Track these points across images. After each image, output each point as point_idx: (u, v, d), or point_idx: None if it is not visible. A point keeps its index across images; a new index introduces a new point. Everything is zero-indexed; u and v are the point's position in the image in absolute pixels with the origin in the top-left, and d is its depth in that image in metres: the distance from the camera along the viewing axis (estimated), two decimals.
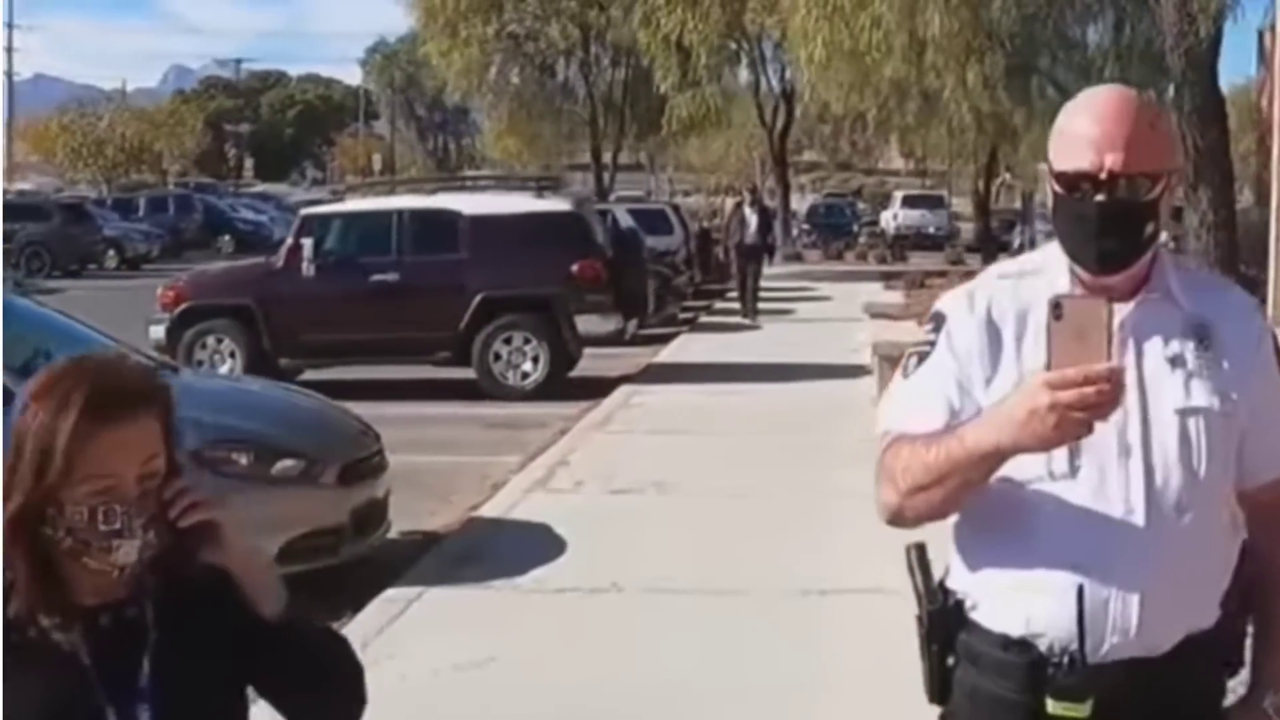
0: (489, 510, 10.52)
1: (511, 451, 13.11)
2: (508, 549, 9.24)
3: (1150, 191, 2.72)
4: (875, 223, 62.27)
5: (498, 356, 16.81)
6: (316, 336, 16.79)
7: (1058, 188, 2.77)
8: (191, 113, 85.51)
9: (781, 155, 51.41)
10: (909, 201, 61.56)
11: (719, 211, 48.98)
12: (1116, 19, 25.51)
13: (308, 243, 17.05)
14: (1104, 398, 2.49)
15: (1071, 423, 2.50)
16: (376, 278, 16.92)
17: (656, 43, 38.94)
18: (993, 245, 42.78)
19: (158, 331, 17.08)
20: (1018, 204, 55.17)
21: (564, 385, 16.83)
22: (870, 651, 6.62)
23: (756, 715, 6.46)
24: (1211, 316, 2.81)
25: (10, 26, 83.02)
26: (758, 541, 9.39)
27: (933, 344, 2.84)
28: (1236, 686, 2.95)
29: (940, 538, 2.88)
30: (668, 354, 20.76)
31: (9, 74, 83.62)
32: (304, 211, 19.04)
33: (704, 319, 27.08)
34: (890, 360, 10.77)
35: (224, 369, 16.66)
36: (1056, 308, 2.54)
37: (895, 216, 59.68)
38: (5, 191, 48.05)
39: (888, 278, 35.77)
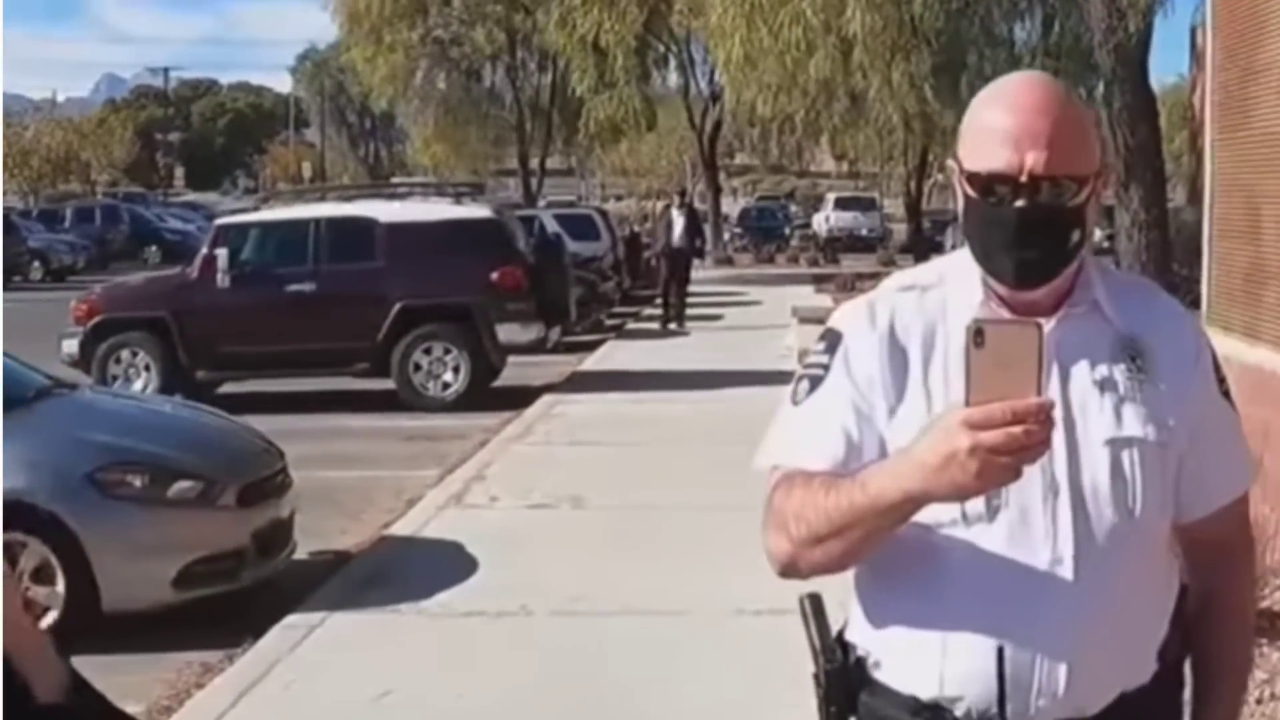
0: (401, 528, 10.15)
1: (429, 465, 12.76)
2: (417, 570, 8.88)
3: (1076, 195, 2.34)
4: (808, 225, 62.50)
5: (418, 367, 16.47)
6: (233, 349, 16.38)
7: (969, 190, 2.38)
8: (120, 122, 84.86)
9: (711, 158, 51.13)
10: (841, 204, 61.65)
11: (650, 216, 48.85)
12: (1045, 15, 25.44)
13: (222, 253, 16.58)
14: (1033, 438, 2.08)
15: (995, 468, 2.09)
16: (293, 288, 16.50)
17: (573, 44, 38.53)
18: (925, 246, 42.63)
19: (71, 345, 16.68)
20: (950, 204, 55.17)
21: (486, 395, 16.49)
22: (801, 677, 6.29)
23: None
24: (1143, 331, 2.44)
25: None
26: (678, 559, 9.03)
27: (826, 367, 2.46)
28: None
29: (837, 582, 2.50)
30: (592, 362, 20.37)
31: None
32: (218, 221, 18.47)
33: (631, 325, 26.70)
34: None
35: (139, 383, 16.30)
36: (978, 334, 2.11)
37: (828, 219, 59.78)
38: None
39: (819, 280, 35.57)
